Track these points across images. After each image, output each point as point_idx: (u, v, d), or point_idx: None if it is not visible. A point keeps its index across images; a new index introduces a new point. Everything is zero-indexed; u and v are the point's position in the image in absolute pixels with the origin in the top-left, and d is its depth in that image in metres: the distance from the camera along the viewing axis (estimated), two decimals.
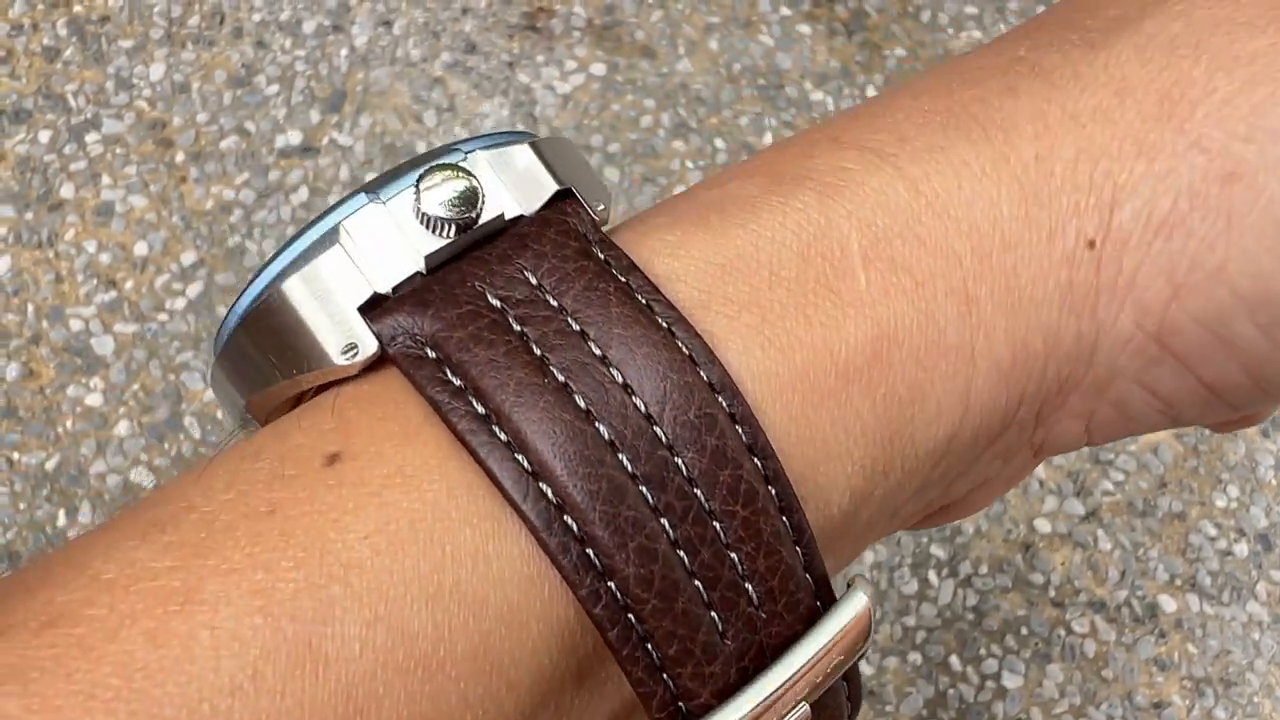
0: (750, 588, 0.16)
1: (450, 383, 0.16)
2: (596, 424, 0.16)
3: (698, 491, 0.16)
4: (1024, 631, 0.46)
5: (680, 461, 0.16)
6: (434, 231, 0.17)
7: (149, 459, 0.46)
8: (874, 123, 0.19)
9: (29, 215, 0.49)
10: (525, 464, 0.16)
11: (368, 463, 0.16)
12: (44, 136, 0.51)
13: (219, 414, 0.46)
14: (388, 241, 0.17)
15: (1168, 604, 0.46)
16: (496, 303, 0.17)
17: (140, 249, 0.49)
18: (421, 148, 0.51)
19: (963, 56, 0.20)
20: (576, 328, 0.17)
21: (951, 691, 0.45)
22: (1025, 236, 0.18)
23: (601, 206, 0.18)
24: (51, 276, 0.48)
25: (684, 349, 0.16)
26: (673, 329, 0.16)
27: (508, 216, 0.17)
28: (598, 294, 0.17)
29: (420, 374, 0.16)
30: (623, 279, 0.17)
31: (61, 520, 0.45)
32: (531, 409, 0.16)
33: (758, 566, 0.16)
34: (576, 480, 0.16)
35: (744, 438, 0.16)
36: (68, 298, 0.48)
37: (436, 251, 0.17)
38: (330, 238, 0.17)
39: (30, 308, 0.48)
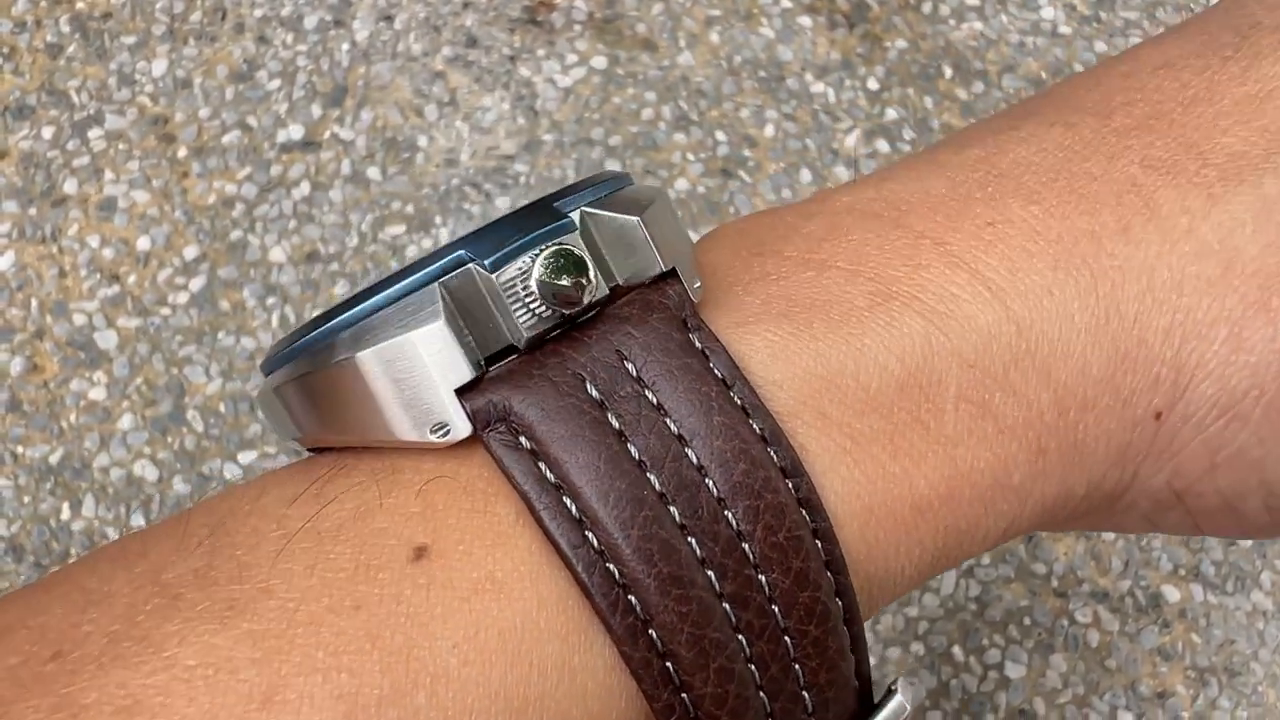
0: (808, 697, 0.17)
1: (546, 479, 0.16)
2: (689, 538, 0.16)
3: (776, 609, 0.16)
4: (1027, 622, 0.46)
5: (764, 580, 0.16)
6: (539, 311, 0.16)
7: (152, 452, 0.46)
8: (984, 233, 0.18)
9: (32, 211, 0.49)
10: (617, 576, 0.16)
11: (457, 563, 0.16)
12: (47, 132, 0.51)
13: (221, 408, 0.46)
14: (490, 315, 0.16)
15: (1171, 594, 0.46)
16: (597, 395, 0.16)
17: (143, 244, 0.49)
18: (423, 142, 0.51)
19: (1069, 129, 0.19)
20: (675, 431, 0.16)
21: (954, 682, 0.45)
22: (1104, 400, 0.18)
23: (698, 284, 0.17)
24: (55, 271, 0.48)
25: (777, 461, 0.16)
26: (768, 440, 0.16)
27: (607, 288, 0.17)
28: (699, 399, 0.16)
29: (516, 468, 0.16)
30: (725, 381, 0.17)
31: (65, 513, 0.45)
32: (630, 525, 0.16)
33: (819, 679, 0.17)
34: (669, 601, 0.16)
35: (823, 554, 0.17)
36: (71, 292, 0.48)
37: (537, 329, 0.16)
38: (428, 305, 0.16)
39: (34, 302, 0.48)
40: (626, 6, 0.55)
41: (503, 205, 0.50)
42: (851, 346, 0.17)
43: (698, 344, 0.17)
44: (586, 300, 0.16)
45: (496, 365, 0.16)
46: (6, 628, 0.15)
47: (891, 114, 0.53)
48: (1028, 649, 0.45)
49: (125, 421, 0.46)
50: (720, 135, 0.53)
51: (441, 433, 0.16)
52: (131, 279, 0.49)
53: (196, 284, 0.48)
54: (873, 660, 0.45)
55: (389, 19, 0.54)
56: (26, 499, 0.45)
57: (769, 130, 0.53)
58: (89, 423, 0.46)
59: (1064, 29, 0.55)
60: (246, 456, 0.45)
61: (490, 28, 0.54)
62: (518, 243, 0.16)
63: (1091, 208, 0.18)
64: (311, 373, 0.17)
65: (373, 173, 0.51)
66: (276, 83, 0.52)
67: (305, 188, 0.50)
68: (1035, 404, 0.18)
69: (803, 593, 0.16)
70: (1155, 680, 0.45)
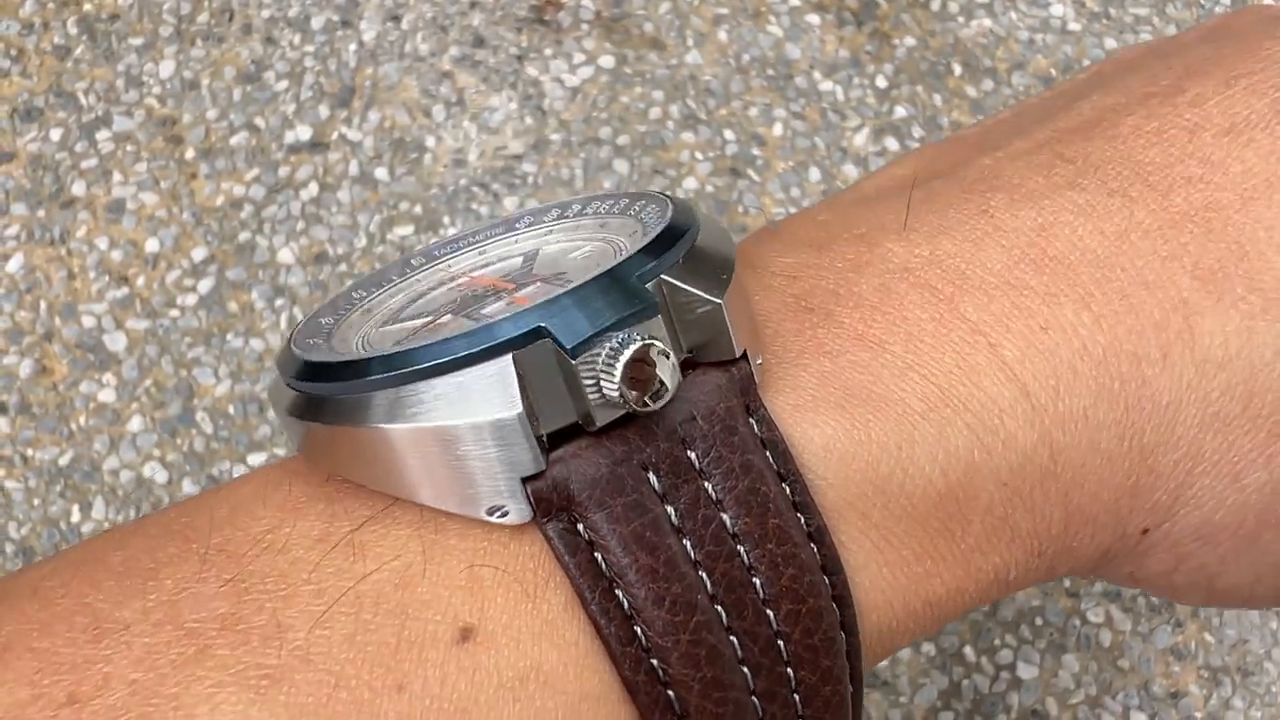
0: None
1: (600, 571, 0.16)
2: (732, 638, 0.16)
3: (797, 698, 0.17)
4: (1039, 621, 0.45)
5: (794, 675, 0.17)
6: (614, 399, 0.16)
7: (162, 454, 0.46)
8: (1037, 340, 0.18)
9: (41, 213, 0.49)
10: (661, 674, 0.16)
11: (504, 649, 0.15)
12: (55, 134, 0.51)
13: (230, 410, 0.46)
14: (560, 393, 0.16)
15: None
16: (659, 488, 0.16)
17: (151, 245, 0.49)
18: (430, 142, 0.51)
19: (1128, 205, 0.19)
20: (731, 530, 0.17)
21: (966, 682, 0.45)
22: (1105, 518, 0.19)
23: (760, 360, 0.17)
24: (64, 274, 0.48)
25: (819, 560, 0.17)
26: (813, 538, 0.17)
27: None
28: (758, 500, 0.17)
29: (572, 560, 0.16)
30: (781, 476, 0.17)
31: (75, 516, 0.45)
32: (681, 630, 0.16)
33: None
34: (708, 704, 0.16)
35: (848, 647, 0.17)
36: (80, 294, 0.48)
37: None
38: (501, 387, 0.15)
39: (43, 305, 0.48)
40: (634, 5, 0.55)
41: (510, 205, 0.50)
42: (902, 455, 0.18)
43: (758, 433, 0.17)
44: (664, 394, 0.16)
45: (561, 448, 0.16)
46: (5, 646, 0.15)
47: (900, 112, 0.53)
48: (1040, 649, 0.45)
49: (135, 424, 0.46)
50: (728, 134, 0.52)
51: (499, 515, 0.16)
52: (140, 281, 0.49)
53: (205, 286, 0.48)
54: (884, 661, 0.44)
55: (396, 19, 0.54)
56: (36, 501, 0.45)
57: (777, 129, 0.52)
58: (98, 425, 0.46)
59: (1073, 25, 0.55)
60: (256, 458, 0.45)
61: (498, 27, 0.54)
62: (603, 327, 0.16)
63: (1139, 326, 0.19)
64: (342, 427, 0.16)
65: (380, 173, 0.51)
66: (284, 84, 0.52)
67: (313, 189, 0.50)
68: (1047, 519, 0.19)
69: (825, 687, 0.17)
70: (1168, 680, 0.45)
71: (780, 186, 0.51)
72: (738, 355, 0.17)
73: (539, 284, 0.18)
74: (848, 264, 0.19)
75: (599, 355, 0.16)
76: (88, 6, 0.53)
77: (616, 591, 0.16)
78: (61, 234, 0.49)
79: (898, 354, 0.18)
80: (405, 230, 0.49)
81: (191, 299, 0.48)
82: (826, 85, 0.54)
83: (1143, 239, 0.19)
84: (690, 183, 0.51)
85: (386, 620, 0.15)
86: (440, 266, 0.21)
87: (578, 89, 0.53)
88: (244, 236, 0.49)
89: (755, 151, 0.52)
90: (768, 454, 0.17)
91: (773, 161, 0.52)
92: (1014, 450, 0.18)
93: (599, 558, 0.16)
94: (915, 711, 0.44)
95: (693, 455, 0.17)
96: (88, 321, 0.48)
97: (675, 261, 0.17)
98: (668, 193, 0.20)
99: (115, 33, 0.53)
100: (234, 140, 0.51)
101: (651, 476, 0.16)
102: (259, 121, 0.52)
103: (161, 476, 0.45)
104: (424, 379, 0.15)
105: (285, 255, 0.49)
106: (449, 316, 0.18)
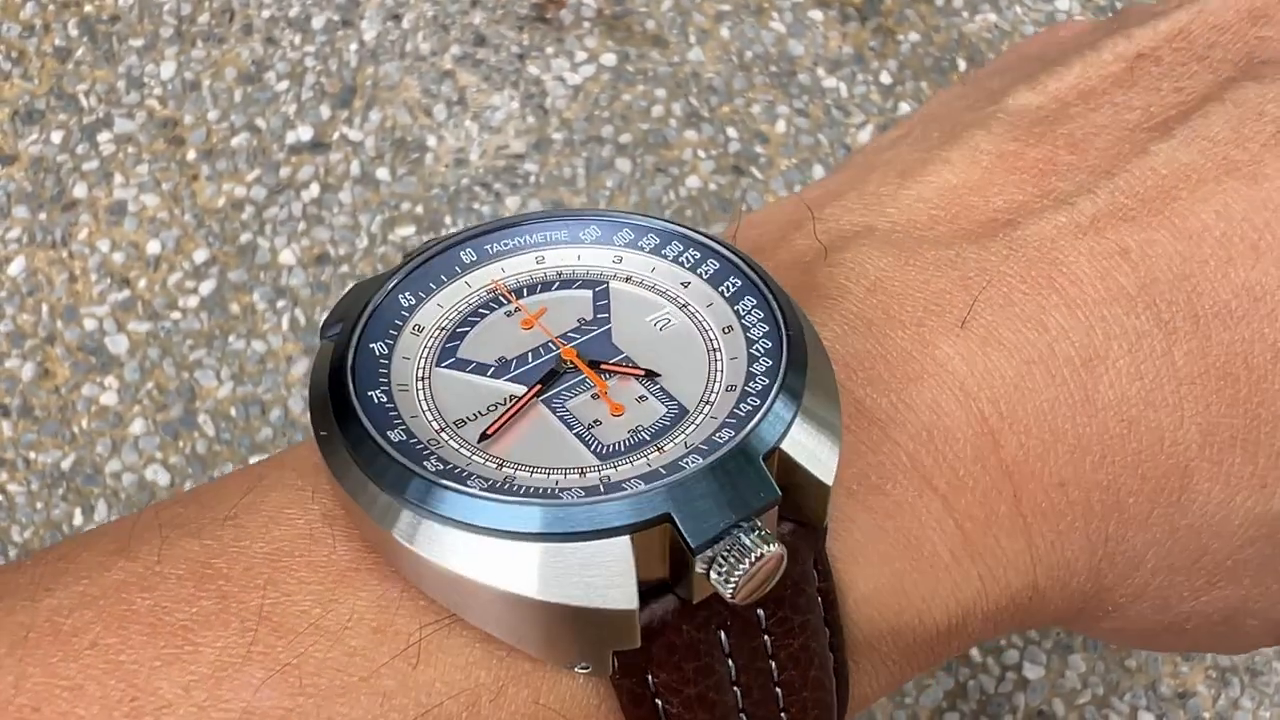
0: None
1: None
2: None
3: None
4: None
5: None
6: (717, 580, 0.16)
7: (164, 457, 0.46)
8: (1052, 495, 0.20)
9: (42, 215, 0.49)
10: None
11: None
12: (56, 137, 0.51)
13: (232, 412, 0.46)
14: (664, 567, 0.16)
15: None
16: (727, 645, 0.17)
17: (153, 247, 0.49)
18: (432, 142, 0.51)
19: (1170, 335, 0.20)
20: (776, 678, 0.18)
21: (972, 683, 0.44)
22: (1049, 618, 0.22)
23: (828, 521, 0.18)
24: (65, 276, 0.48)
25: (835, 688, 0.18)
26: (836, 673, 0.18)
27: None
28: (806, 655, 0.18)
29: (636, 712, 0.16)
30: (829, 625, 0.18)
31: (78, 519, 0.45)
32: None
33: None
34: None
35: None
36: (81, 297, 0.48)
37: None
38: (619, 576, 0.15)
39: (45, 308, 0.48)
40: (636, 2, 0.54)
41: (513, 205, 0.49)
42: (923, 609, 0.19)
43: (817, 582, 0.18)
44: (762, 576, 0.16)
45: (649, 606, 0.16)
46: (34, 708, 0.15)
47: (905, 108, 0.52)
48: (1046, 649, 0.45)
49: (137, 426, 0.46)
50: (731, 131, 0.52)
51: (581, 667, 0.16)
52: (142, 283, 0.48)
53: (206, 287, 0.48)
54: None
55: (397, 18, 0.54)
56: (39, 505, 0.45)
57: (780, 126, 0.52)
58: (100, 428, 0.46)
59: (1079, 20, 0.54)
60: (258, 460, 0.45)
61: (499, 26, 0.54)
62: (729, 524, 0.16)
63: (1141, 490, 0.20)
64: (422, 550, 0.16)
65: (382, 173, 0.50)
66: (285, 84, 0.52)
67: (314, 189, 0.50)
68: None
69: None
70: (1176, 680, 0.45)
71: (784, 184, 0.51)
72: (822, 528, 0.18)
73: (622, 359, 0.19)
74: (904, 364, 0.20)
75: (721, 553, 0.16)
76: (88, 8, 0.53)
77: None
78: (63, 236, 0.49)
79: (941, 492, 0.19)
80: (407, 230, 0.49)
81: (193, 301, 0.48)
82: (830, 82, 0.53)
83: (1174, 393, 0.20)
84: (693, 181, 0.51)
85: None
86: (492, 268, 0.20)
87: (579, 87, 0.53)
88: (245, 238, 0.49)
89: (758, 149, 0.52)
90: (824, 609, 0.18)
91: (776, 159, 0.52)
92: (1007, 595, 0.20)
93: (660, 705, 0.16)
94: (921, 712, 0.44)
95: (762, 613, 0.17)
96: (89, 324, 0.48)
97: (790, 426, 0.17)
98: (726, 246, 0.20)
99: (116, 34, 0.53)
100: (235, 141, 0.51)
101: (723, 635, 0.17)
102: (260, 122, 0.51)
103: (164, 479, 0.45)
104: (535, 541, 0.15)
105: (287, 256, 0.49)
106: (523, 390, 0.18)
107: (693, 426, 0.18)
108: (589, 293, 0.20)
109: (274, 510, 0.17)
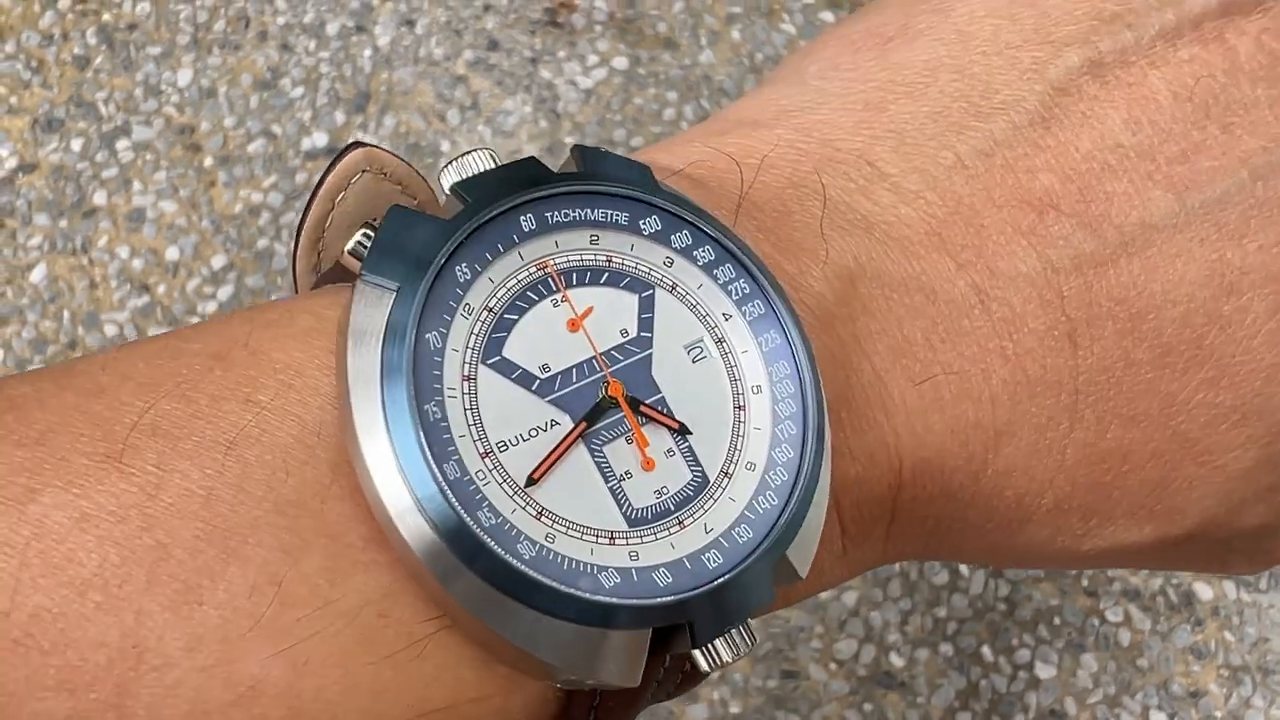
0: None
1: None
2: None
3: None
4: (1057, 621, 0.45)
5: None
6: (701, 664, 0.19)
7: None
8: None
9: (63, 223, 0.50)
10: None
11: None
12: (76, 144, 0.52)
13: None
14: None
15: (1204, 591, 0.46)
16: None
17: (171, 253, 0.50)
18: (446, 147, 0.51)
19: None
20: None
21: (984, 682, 0.45)
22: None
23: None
24: (86, 283, 0.49)
25: None
26: None
27: None
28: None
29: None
30: None
31: None
32: None
33: None
34: None
35: None
36: (102, 303, 0.49)
37: None
38: (631, 668, 0.18)
39: (66, 314, 0.49)
40: (647, 5, 0.55)
41: None
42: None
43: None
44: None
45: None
46: None
47: None
48: (1058, 649, 0.45)
49: None
50: None
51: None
52: (161, 289, 0.49)
53: (225, 293, 0.49)
54: (901, 662, 0.45)
55: (410, 24, 0.54)
56: None
57: None
58: None
59: None
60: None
61: (511, 30, 0.54)
62: (732, 626, 0.18)
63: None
64: (472, 591, 0.17)
65: None
66: (300, 90, 0.53)
67: None
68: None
69: None
70: (1188, 679, 0.45)
71: None
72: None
73: (659, 401, 0.19)
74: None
75: (713, 643, 0.18)
76: (106, 16, 0.54)
77: None
78: (83, 243, 0.50)
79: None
80: None
81: (212, 306, 0.49)
82: None
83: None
84: None
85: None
86: (547, 242, 0.19)
87: (591, 91, 0.53)
88: (262, 243, 0.50)
89: None
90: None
91: None
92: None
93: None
94: (933, 712, 0.44)
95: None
96: (110, 330, 0.48)
97: (799, 530, 0.19)
98: (778, 289, 0.20)
99: (134, 42, 0.53)
100: (251, 147, 0.52)
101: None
102: (276, 128, 0.52)
103: None
104: (567, 621, 0.17)
105: None
106: (566, 419, 0.18)
107: (712, 503, 0.19)
108: (635, 298, 0.20)
109: (280, 451, 0.17)
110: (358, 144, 0.21)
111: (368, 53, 0.53)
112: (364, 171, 0.22)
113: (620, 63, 0.54)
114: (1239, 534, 0.23)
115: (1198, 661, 0.45)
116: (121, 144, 0.52)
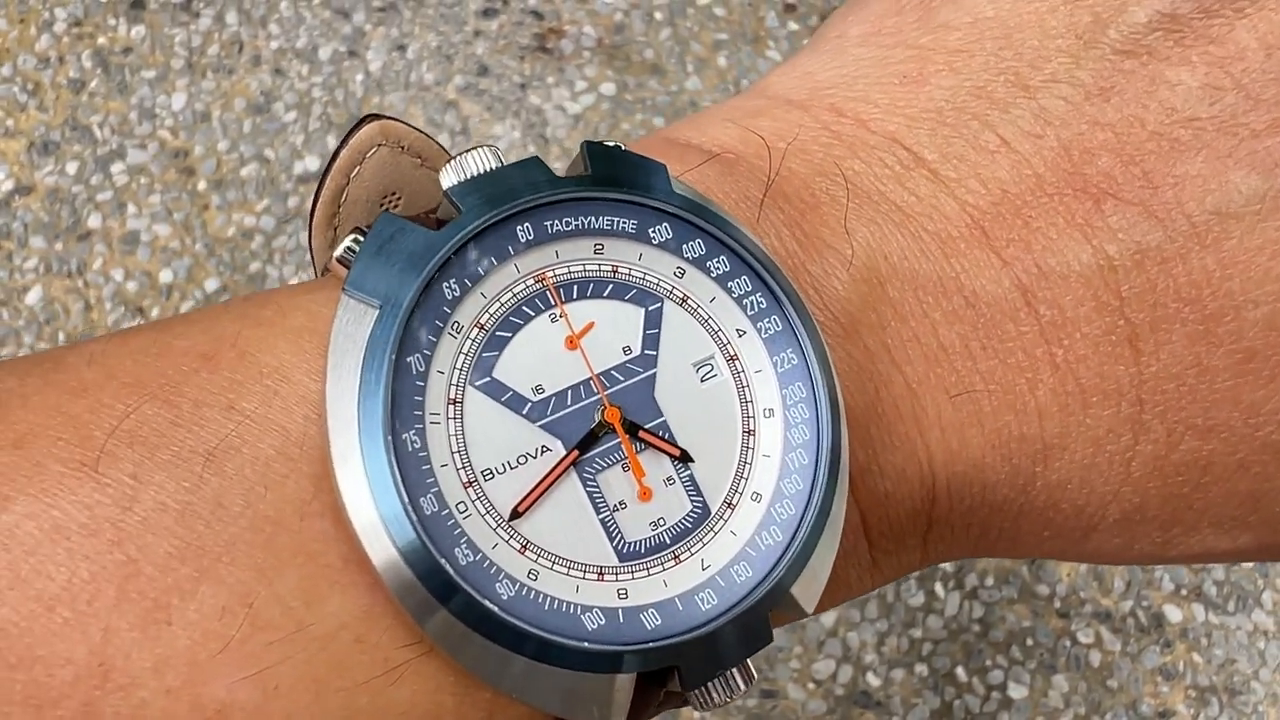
0: None
1: None
2: None
3: None
4: (1029, 642, 0.46)
5: None
6: (695, 704, 0.18)
7: None
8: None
9: (59, 245, 0.51)
10: None
11: None
12: (71, 168, 0.52)
13: None
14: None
15: (1173, 614, 0.47)
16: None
17: (165, 276, 0.51)
18: None
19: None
20: None
21: (958, 702, 0.46)
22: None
23: None
24: (81, 305, 0.50)
25: None
26: None
27: None
28: None
29: None
30: None
31: None
32: None
33: None
34: None
35: None
36: (97, 326, 0.50)
37: None
38: (615, 701, 0.17)
39: (61, 336, 0.49)
40: (634, 32, 0.56)
41: None
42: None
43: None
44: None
45: None
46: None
47: None
48: (1030, 669, 0.46)
49: None
50: None
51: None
52: (155, 312, 0.50)
53: None
54: (878, 682, 0.46)
55: (402, 49, 0.55)
56: None
57: None
58: None
59: None
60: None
61: (501, 56, 0.55)
62: (724, 670, 0.17)
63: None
64: (461, 629, 0.16)
65: None
66: (293, 114, 0.53)
67: None
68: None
69: None
70: (1157, 700, 0.46)
71: None
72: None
73: (660, 426, 0.18)
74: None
75: (704, 685, 0.17)
76: (101, 40, 0.55)
77: None
78: (79, 266, 0.51)
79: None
80: None
81: None
82: None
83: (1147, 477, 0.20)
84: None
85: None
86: (546, 252, 0.18)
87: (579, 116, 0.54)
88: (255, 267, 0.51)
89: None
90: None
91: None
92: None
93: None
94: None
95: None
96: None
97: (803, 569, 0.17)
98: (799, 308, 0.18)
99: (129, 66, 0.54)
100: (244, 171, 0.52)
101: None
102: (269, 152, 0.53)
103: None
104: (549, 664, 0.16)
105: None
106: (558, 445, 0.17)
107: (712, 537, 0.17)
108: (641, 312, 0.18)
109: (261, 465, 0.16)
110: (373, 116, 0.20)
111: (360, 77, 0.54)
112: (380, 145, 0.20)
113: (608, 88, 0.54)
114: None
115: (1166, 682, 0.46)
116: (116, 167, 0.52)
